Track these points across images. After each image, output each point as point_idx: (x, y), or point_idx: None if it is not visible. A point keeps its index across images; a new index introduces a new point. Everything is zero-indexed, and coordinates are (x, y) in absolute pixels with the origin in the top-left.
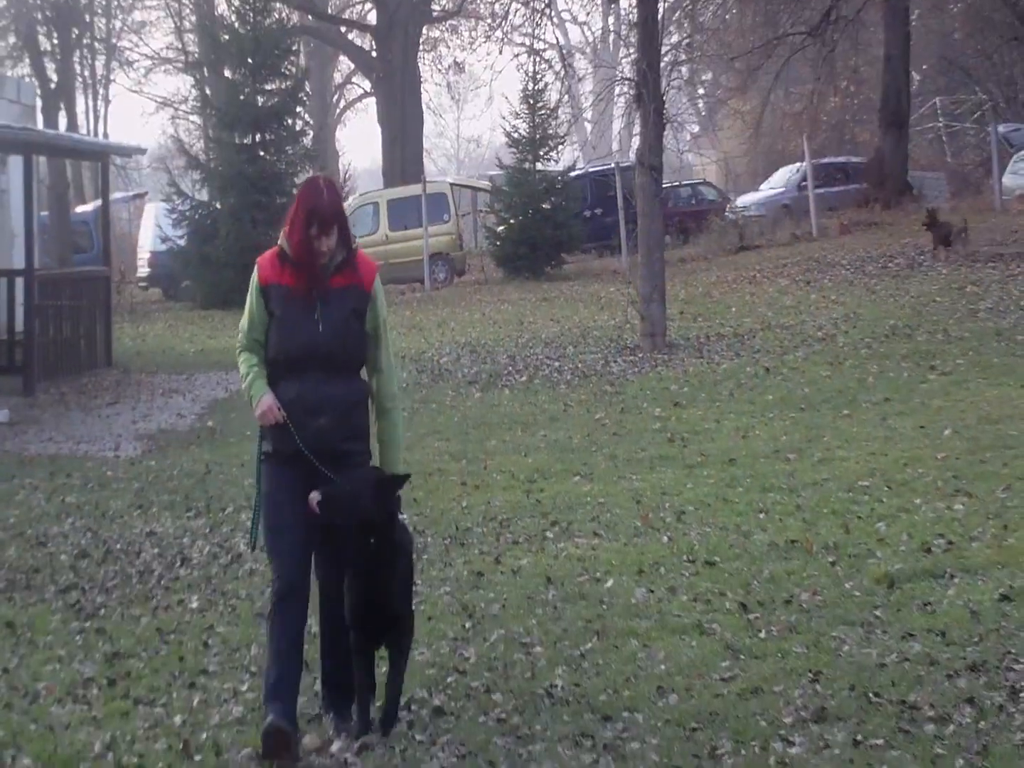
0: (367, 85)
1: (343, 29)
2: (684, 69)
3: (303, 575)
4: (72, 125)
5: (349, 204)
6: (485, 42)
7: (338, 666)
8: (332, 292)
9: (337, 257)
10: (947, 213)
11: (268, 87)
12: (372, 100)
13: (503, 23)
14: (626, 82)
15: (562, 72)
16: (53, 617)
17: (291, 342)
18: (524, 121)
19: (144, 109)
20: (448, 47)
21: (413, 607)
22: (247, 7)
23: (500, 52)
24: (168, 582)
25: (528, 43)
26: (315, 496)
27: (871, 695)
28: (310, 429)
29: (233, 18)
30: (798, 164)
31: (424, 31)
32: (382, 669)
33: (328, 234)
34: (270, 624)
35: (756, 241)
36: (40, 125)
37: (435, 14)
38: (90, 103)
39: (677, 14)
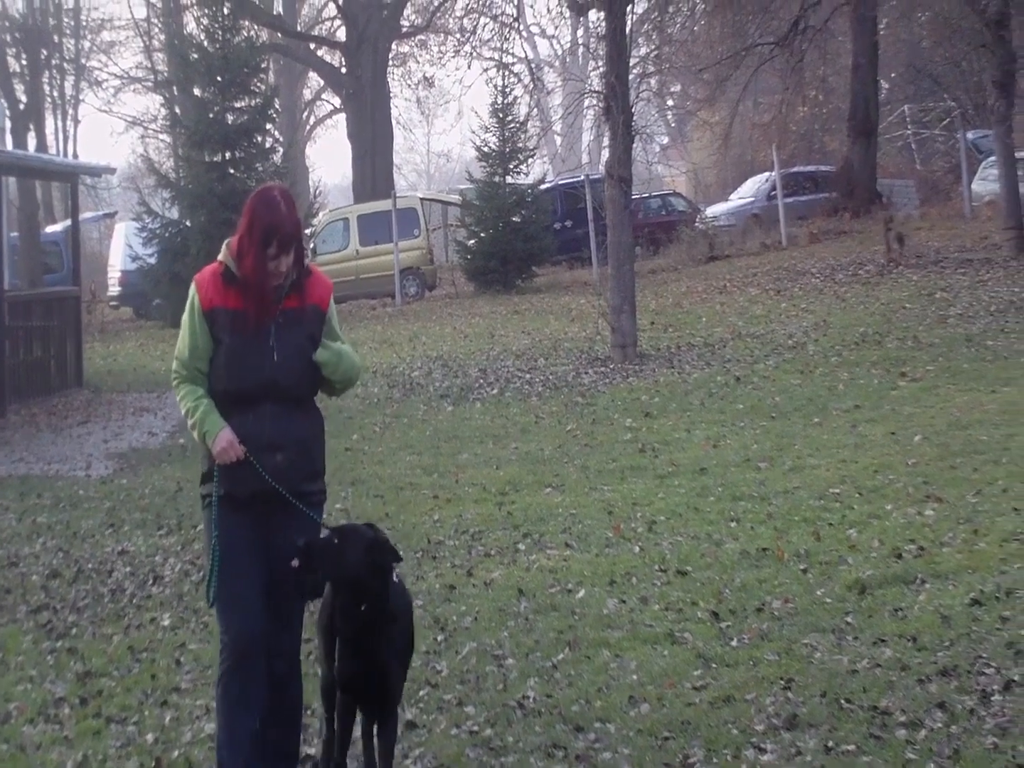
0: (337, 101)
1: (312, 46)
2: (653, 81)
3: (259, 636)
4: (41, 145)
5: (319, 220)
6: (454, 57)
7: (285, 734)
8: (286, 316)
9: (291, 275)
10: (917, 220)
11: (237, 105)
12: (342, 116)
13: (472, 38)
14: (595, 95)
15: (531, 85)
16: (25, 637)
17: (243, 374)
18: (494, 135)
19: (114, 129)
20: (417, 62)
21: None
22: (216, 25)
23: (469, 67)
24: (140, 600)
25: (497, 57)
26: (299, 541)
27: (843, 701)
28: (266, 468)
29: (202, 37)
30: (767, 173)
31: (393, 47)
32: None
33: (287, 253)
34: (221, 698)
35: (726, 251)
36: (9, 146)
37: (404, 30)
38: (59, 123)
39: (646, 26)
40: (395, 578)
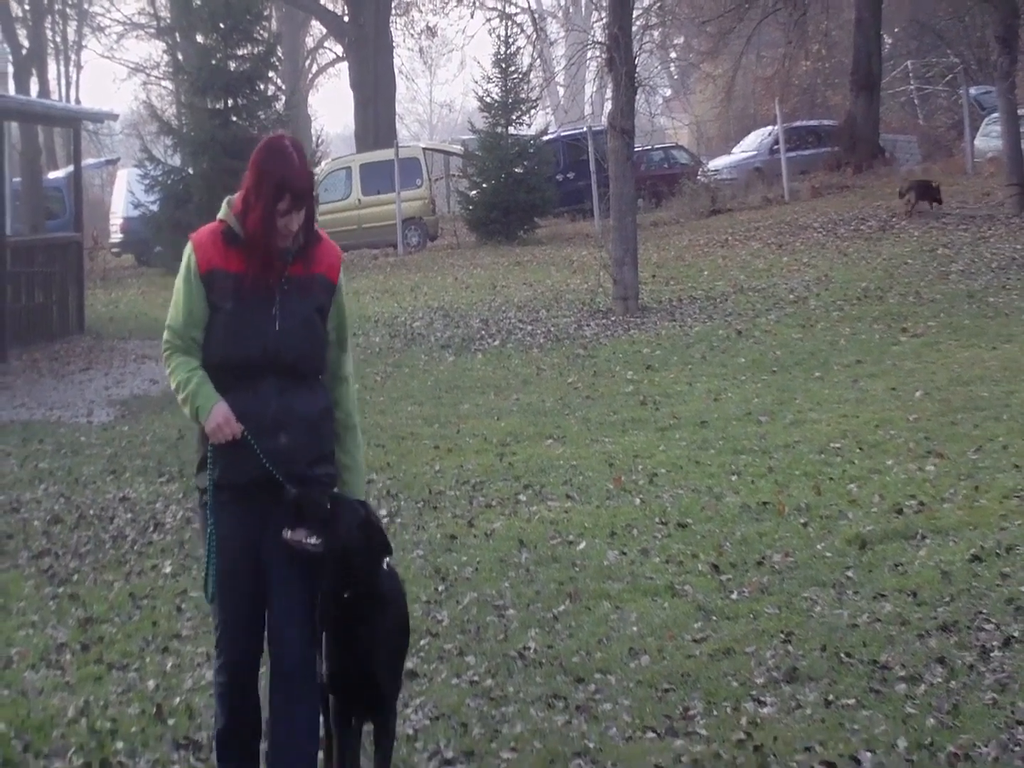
0: (339, 50)
1: None
2: (656, 33)
3: (258, 643)
4: (44, 91)
5: (322, 169)
6: (457, 6)
7: (282, 750)
8: (291, 283)
9: (299, 239)
10: (919, 176)
11: (240, 52)
12: (344, 65)
13: None
14: (598, 46)
15: (534, 36)
16: (26, 583)
17: (244, 345)
18: (496, 85)
19: (116, 75)
20: (420, 11)
21: (402, 675)
22: None
23: (472, 16)
24: (141, 547)
25: (500, 7)
26: (290, 492)
27: (842, 655)
28: (268, 451)
29: None
30: (770, 128)
31: None
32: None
33: (299, 210)
34: (217, 693)
35: (728, 204)
36: (12, 91)
37: None
38: (62, 69)
39: None
40: (385, 564)
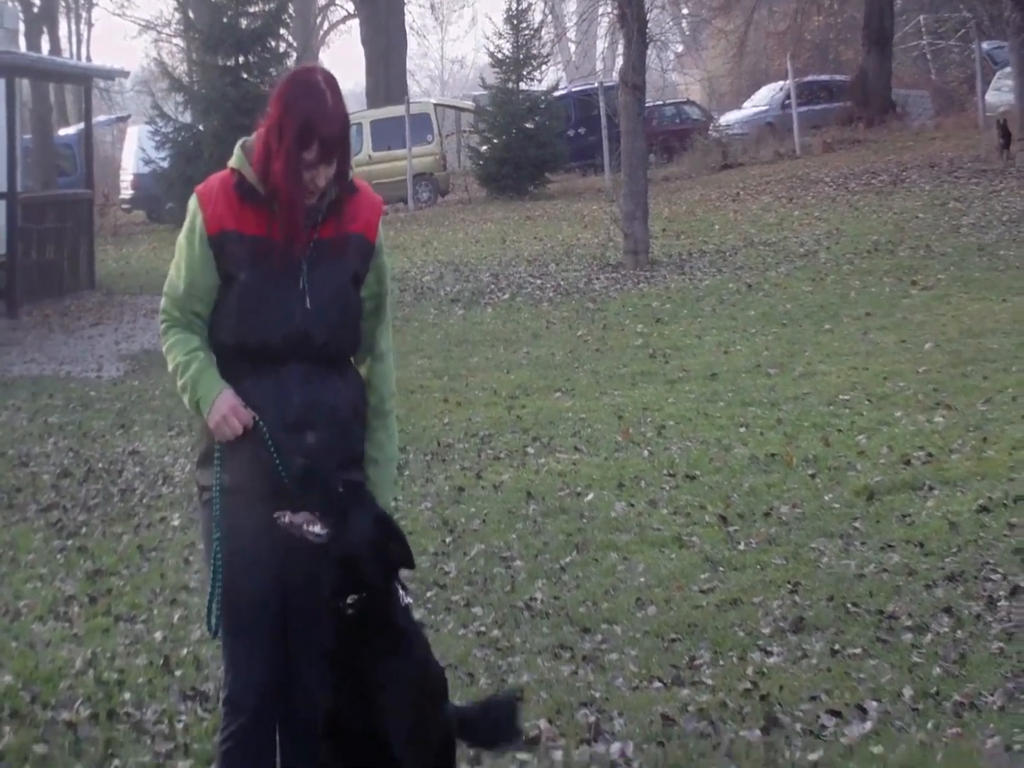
0: (350, 6)
1: None
2: None
3: (274, 685)
4: (55, 48)
5: None
6: None
7: None
8: (321, 247)
9: (331, 193)
10: (931, 130)
11: (251, 9)
12: (355, 22)
13: None
14: (609, 1)
15: None
16: (35, 535)
17: (264, 326)
18: (508, 41)
19: (127, 32)
20: None
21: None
22: None
23: None
24: (150, 500)
25: None
26: (298, 464)
27: (849, 605)
28: (291, 453)
29: None
30: (782, 82)
31: None
32: None
33: (329, 162)
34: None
35: (739, 159)
36: (23, 48)
37: None
38: (73, 26)
39: None
40: (403, 599)
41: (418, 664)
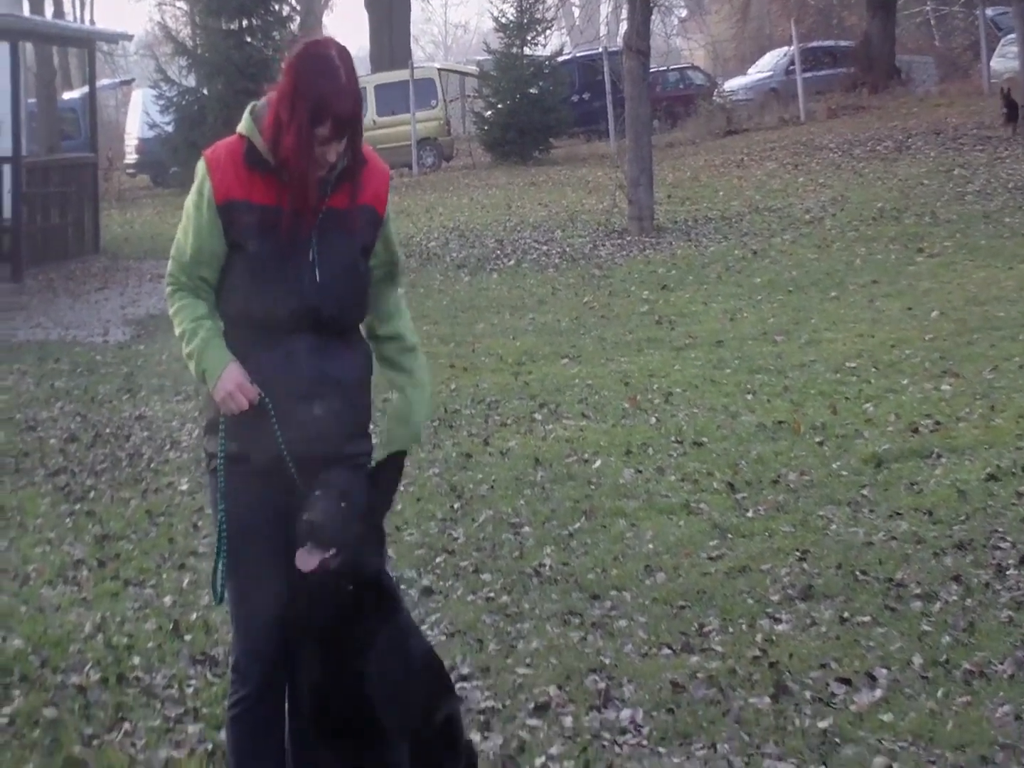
0: None
1: None
2: None
3: (282, 652)
4: (59, 12)
5: None
6: None
7: None
8: (331, 218)
9: (341, 164)
10: (936, 97)
11: None
12: None
13: None
14: None
15: None
16: (43, 500)
17: (273, 298)
18: (511, 6)
19: None
20: None
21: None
22: None
23: None
24: (158, 465)
25: None
26: (304, 531)
27: (858, 573)
28: (298, 424)
29: None
30: (786, 48)
31: None
32: None
33: (341, 138)
34: (232, 741)
35: (744, 125)
36: (26, 12)
37: None
38: None
39: None
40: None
41: (403, 632)
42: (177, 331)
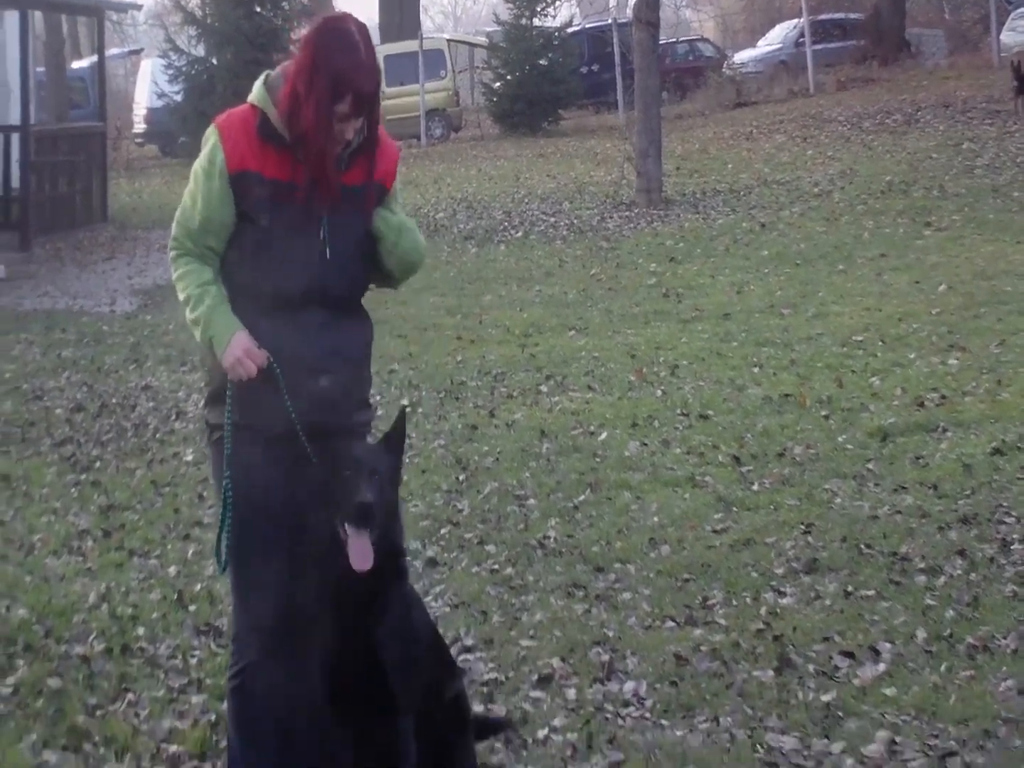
0: None
1: None
2: None
3: (283, 624)
4: None
5: None
6: None
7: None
8: (346, 196)
9: (356, 140)
10: (945, 70)
11: None
12: None
13: None
14: None
15: None
16: (49, 470)
17: (282, 274)
18: None
19: None
20: None
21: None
22: None
23: None
24: (163, 435)
25: None
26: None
27: (863, 547)
28: (306, 396)
29: None
30: (796, 20)
31: None
32: None
33: (359, 115)
34: (234, 712)
35: (753, 97)
36: None
37: None
38: None
39: None
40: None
41: (411, 603)
42: (181, 296)
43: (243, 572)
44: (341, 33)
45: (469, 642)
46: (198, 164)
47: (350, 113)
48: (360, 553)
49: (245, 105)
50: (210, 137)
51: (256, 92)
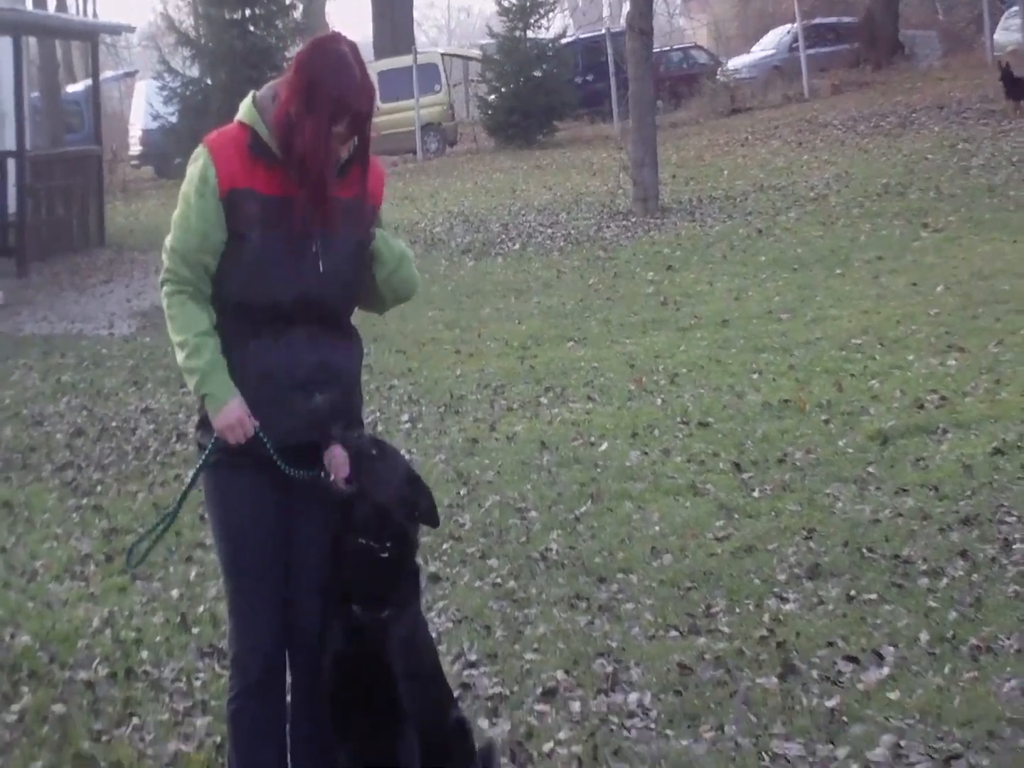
0: None
1: None
2: None
3: (281, 646)
4: (61, 5)
5: None
6: None
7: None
8: (336, 210)
9: (348, 152)
10: (939, 71)
11: None
12: None
13: None
14: None
15: None
16: (50, 495)
17: (274, 289)
18: None
19: None
20: None
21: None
22: None
23: None
24: (164, 458)
25: None
26: (337, 458)
27: (865, 550)
28: (298, 413)
29: None
30: (789, 25)
31: None
32: None
33: (355, 134)
34: (233, 726)
35: (748, 103)
36: (29, 5)
37: None
38: None
39: None
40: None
41: (421, 624)
42: (176, 338)
43: (238, 597)
44: (336, 54)
45: (473, 657)
46: (187, 185)
47: (347, 134)
48: (339, 462)
49: (233, 124)
50: (200, 156)
51: (245, 110)
